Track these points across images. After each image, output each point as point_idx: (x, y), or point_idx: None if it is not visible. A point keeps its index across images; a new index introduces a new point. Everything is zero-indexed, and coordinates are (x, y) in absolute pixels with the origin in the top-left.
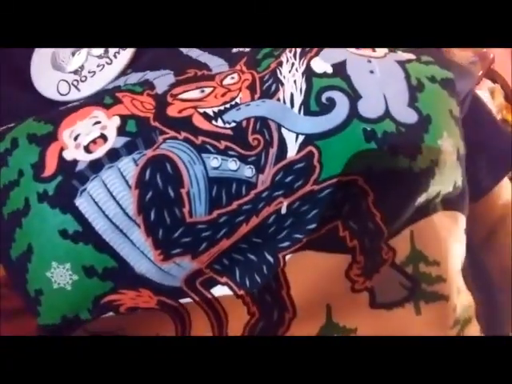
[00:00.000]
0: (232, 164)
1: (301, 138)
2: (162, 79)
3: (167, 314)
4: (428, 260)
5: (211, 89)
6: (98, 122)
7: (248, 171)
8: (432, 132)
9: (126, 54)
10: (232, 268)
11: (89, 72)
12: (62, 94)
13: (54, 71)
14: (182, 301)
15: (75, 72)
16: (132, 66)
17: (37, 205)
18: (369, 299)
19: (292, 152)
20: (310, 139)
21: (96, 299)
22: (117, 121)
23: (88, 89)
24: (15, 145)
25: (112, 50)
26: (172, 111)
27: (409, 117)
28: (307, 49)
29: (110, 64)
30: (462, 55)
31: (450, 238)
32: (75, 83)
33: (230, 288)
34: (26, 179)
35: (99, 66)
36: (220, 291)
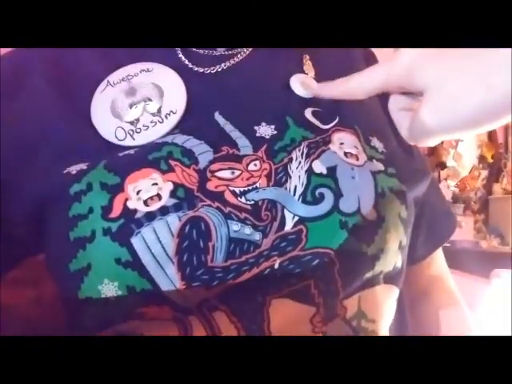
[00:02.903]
0: (247, 230)
1: (296, 218)
2: (204, 156)
3: (175, 324)
4: (368, 318)
5: (239, 172)
6: (156, 184)
7: (257, 236)
8: (384, 228)
9: (176, 116)
10: (231, 301)
11: (143, 126)
12: (118, 139)
13: (113, 118)
14: (189, 317)
15: (131, 123)
16: (179, 126)
17: (101, 236)
18: None
19: (288, 227)
20: (302, 220)
21: (131, 310)
22: (170, 186)
23: (141, 140)
24: (90, 188)
25: (164, 111)
26: (210, 186)
27: (371, 215)
28: (312, 151)
29: (162, 123)
30: None
31: (385, 304)
32: (131, 132)
33: (226, 314)
34: (94, 215)
35: (152, 123)
36: (218, 315)
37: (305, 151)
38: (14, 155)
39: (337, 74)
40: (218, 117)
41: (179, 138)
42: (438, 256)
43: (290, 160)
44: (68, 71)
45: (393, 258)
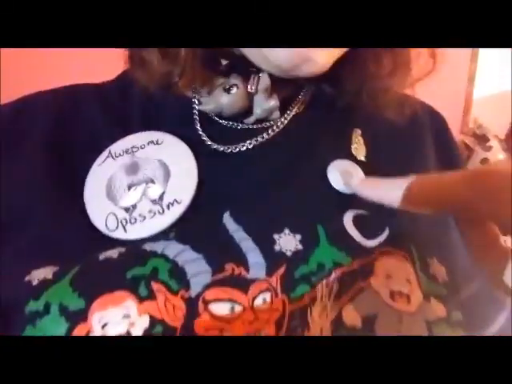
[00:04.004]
0: None
1: None
2: (199, 278)
3: None
4: None
5: (241, 308)
6: (128, 316)
7: None
8: None
9: (179, 208)
10: None
11: (139, 215)
12: (109, 229)
13: (107, 200)
14: None
15: (126, 209)
16: (178, 225)
17: None
18: None
19: None
20: None
21: None
22: (146, 321)
23: (134, 233)
24: (47, 310)
25: (167, 199)
26: (199, 327)
27: None
28: (344, 289)
29: (162, 214)
30: None
31: None
32: (124, 222)
33: None
34: None
35: (151, 213)
36: None
37: (334, 288)
38: None
39: (397, 158)
40: (227, 219)
41: (172, 248)
42: None
43: (313, 300)
44: (71, 130)
45: None
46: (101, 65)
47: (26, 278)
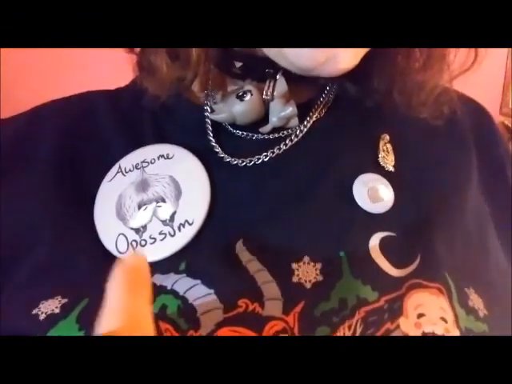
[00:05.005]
0: None
1: None
2: (210, 316)
3: None
4: None
5: None
6: None
7: None
8: None
9: (192, 229)
10: None
11: (150, 237)
12: (119, 252)
13: (117, 219)
14: None
15: (137, 230)
16: (187, 257)
17: None
18: None
19: None
20: None
21: None
22: None
23: None
24: None
25: (178, 219)
26: None
27: None
28: (369, 331)
29: (173, 236)
30: None
31: None
32: (134, 244)
33: None
34: None
35: (161, 235)
36: None
37: (358, 329)
38: None
39: (431, 166)
40: (240, 248)
41: (182, 283)
42: None
43: None
44: (82, 145)
45: None
46: (104, 66)
47: (34, 311)
